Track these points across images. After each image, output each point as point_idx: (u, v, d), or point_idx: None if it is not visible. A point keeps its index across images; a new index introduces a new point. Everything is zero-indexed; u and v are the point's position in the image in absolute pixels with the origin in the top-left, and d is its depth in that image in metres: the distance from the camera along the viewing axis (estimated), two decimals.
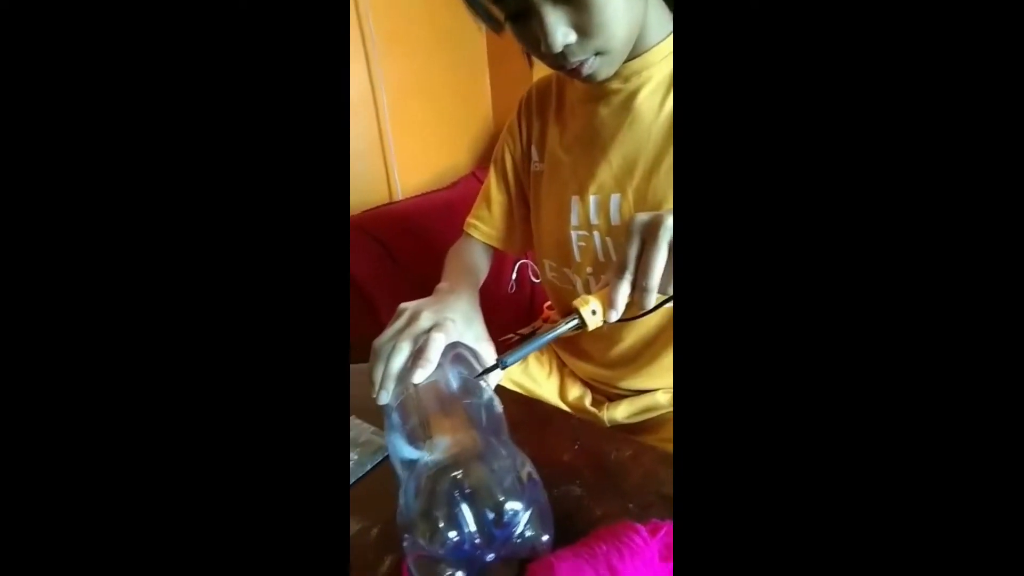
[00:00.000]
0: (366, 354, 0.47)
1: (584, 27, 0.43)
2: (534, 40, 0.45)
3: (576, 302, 0.38)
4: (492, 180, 0.69)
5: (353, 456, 0.42)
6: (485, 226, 0.69)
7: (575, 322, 0.37)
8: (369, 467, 0.41)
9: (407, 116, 1.28)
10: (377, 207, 1.10)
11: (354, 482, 0.40)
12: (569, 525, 0.35)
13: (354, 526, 0.37)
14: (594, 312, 0.37)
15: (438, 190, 1.22)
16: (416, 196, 1.19)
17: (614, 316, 0.36)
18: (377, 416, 0.46)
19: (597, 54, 0.45)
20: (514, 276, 1.07)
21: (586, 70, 0.46)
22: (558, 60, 0.45)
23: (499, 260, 1.13)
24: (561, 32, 0.43)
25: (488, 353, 0.45)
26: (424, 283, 1.01)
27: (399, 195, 1.29)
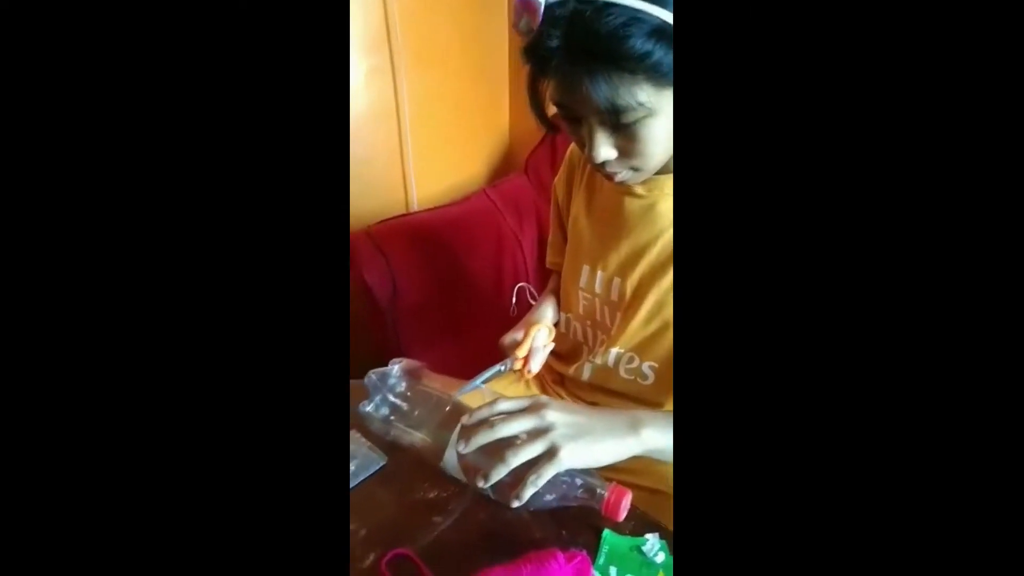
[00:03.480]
0: (372, 364, 0.55)
1: (626, 151, 0.50)
2: (580, 142, 0.52)
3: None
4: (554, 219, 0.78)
5: (349, 468, 0.52)
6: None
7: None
8: (362, 478, 0.51)
9: (429, 129, 1.36)
10: (391, 219, 1.19)
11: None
12: (513, 543, 0.45)
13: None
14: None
15: (450, 204, 1.30)
16: (430, 209, 1.27)
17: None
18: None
19: (631, 169, 0.53)
20: (514, 300, 1.16)
21: (618, 179, 0.54)
22: (595, 165, 0.53)
23: (501, 278, 1.22)
24: (604, 150, 0.50)
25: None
26: (426, 298, 1.09)
27: (415, 204, 1.38)
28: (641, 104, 0.45)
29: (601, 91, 0.44)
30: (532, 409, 0.46)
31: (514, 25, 0.46)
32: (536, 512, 0.47)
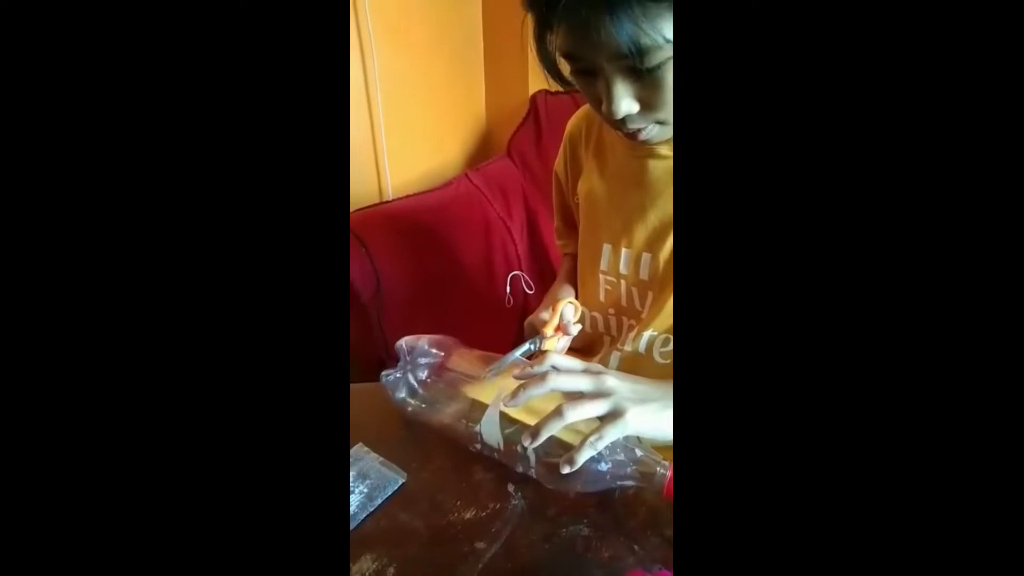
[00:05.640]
0: (356, 366, 0.49)
1: (649, 101, 0.44)
2: (596, 99, 0.46)
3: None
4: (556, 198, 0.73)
5: (362, 490, 0.43)
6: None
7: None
8: (380, 501, 0.42)
9: (401, 112, 1.26)
10: (367, 207, 1.08)
11: (364, 518, 0.41)
12: (579, 567, 0.37)
13: (370, 564, 0.38)
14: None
15: (431, 190, 1.21)
16: (409, 196, 1.17)
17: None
18: (385, 444, 0.46)
19: (657, 123, 0.47)
20: (508, 290, 1.08)
21: (642, 136, 0.48)
22: (616, 123, 0.46)
23: (491, 268, 1.14)
24: (625, 103, 0.43)
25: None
26: (413, 293, 1.00)
27: (389, 192, 1.28)
28: (668, 41, 0.39)
29: (624, 30, 0.38)
30: (590, 372, 0.42)
31: None
32: (602, 528, 0.40)
